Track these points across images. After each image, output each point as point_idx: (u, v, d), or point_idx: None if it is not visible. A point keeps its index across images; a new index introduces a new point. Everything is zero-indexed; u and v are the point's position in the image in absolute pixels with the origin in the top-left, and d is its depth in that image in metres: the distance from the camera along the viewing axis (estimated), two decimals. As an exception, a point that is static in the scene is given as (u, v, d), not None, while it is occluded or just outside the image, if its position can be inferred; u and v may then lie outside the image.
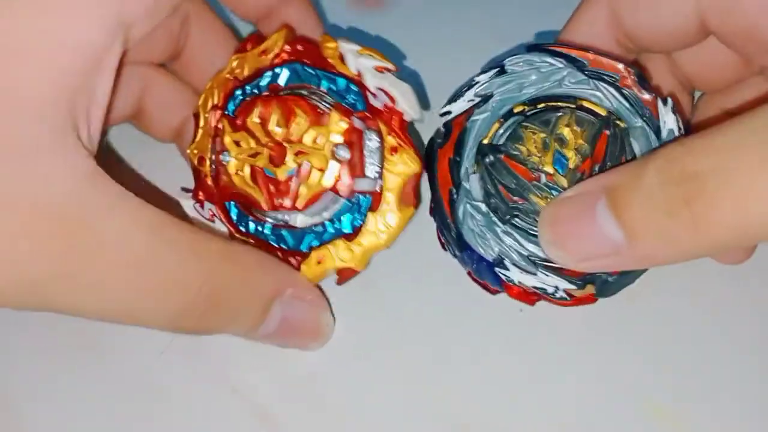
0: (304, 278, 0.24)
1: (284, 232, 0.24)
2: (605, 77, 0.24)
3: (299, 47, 0.25)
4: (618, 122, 0.24)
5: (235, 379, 0.25)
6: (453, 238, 0.24)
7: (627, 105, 0.24)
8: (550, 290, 0.24)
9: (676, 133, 0.23)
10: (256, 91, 0.25)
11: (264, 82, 0.25)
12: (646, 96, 0.23)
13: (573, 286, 0.23)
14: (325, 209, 0.24)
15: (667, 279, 0.26)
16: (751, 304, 0.26)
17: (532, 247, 0.24)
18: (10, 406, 0.25)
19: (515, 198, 0.24)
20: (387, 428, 0.24)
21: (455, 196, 0.24)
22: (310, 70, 0.25)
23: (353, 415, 0.24)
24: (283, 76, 0.25)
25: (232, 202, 0.25)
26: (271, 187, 0.24)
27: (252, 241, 0.25)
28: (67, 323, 0.26)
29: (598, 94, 0.24)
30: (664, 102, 0.23)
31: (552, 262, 0.23)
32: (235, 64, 0.26)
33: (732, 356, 0.25)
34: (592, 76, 0.24)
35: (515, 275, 0.24)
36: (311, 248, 0.24)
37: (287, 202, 0.24)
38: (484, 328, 0.26)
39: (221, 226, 0.26)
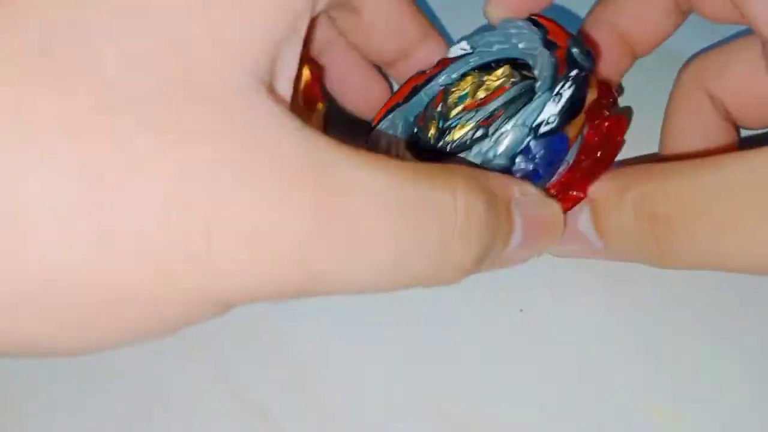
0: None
1: None
2: (551, 45, 0.24)
3: None
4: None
5: (235, 379, 0.25)
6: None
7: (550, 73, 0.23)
8: None
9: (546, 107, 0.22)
10: None
11: None
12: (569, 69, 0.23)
13: None
14: None
15: (667, 278, 0.26)
16: (752, 303, 0.26)
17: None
18: (11, 406, 0.25)
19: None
20: (387, 428, 0.24)
21: (389, 115, 0.26)
22: None
23: (353, 414, 0.24)
24: None
25: None
26: None
27: None
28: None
29: (535, 58, 0.24)
30: (572, 78, 0.22)
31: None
32: None
33: (732, 356, 0.25)
34: (544, 43, 0.24)
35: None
36: None
37: None
38: (484, 327, 0.26)
39: None
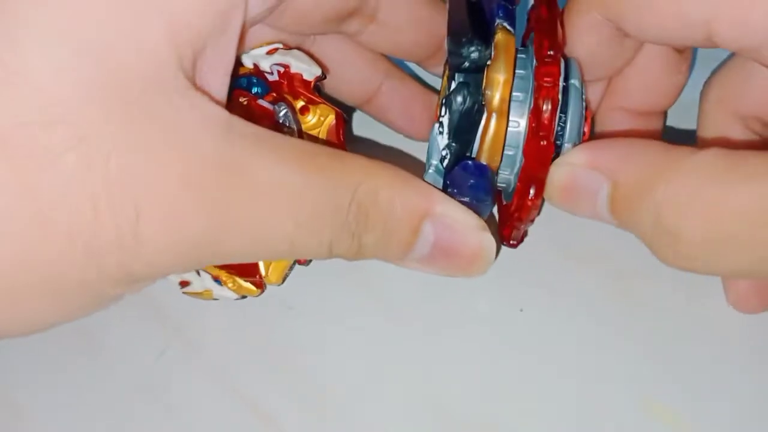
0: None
1: None
2: None
3: None
4: None
5: (235, 379, 0.25)
6: None
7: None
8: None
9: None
10: None
11: None
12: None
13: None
14: None
15: (667, 277, 0.26)
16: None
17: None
18: (10, 406, 0.25)
19: None
20: (386, 428, 0.24)
21: None
22: None
23: (353, 414, 0.24)
24: None
25: None
26: None
27: None
28: (67, 324, 0.26)
29: None
30: (443, 104, 0.21)
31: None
32: None
33: (732, 355, 0.25)
34: None
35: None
36: None
37: None
38: (484, 327, 0.26)
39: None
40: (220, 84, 0.20)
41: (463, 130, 0.21)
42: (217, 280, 0.24)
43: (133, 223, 0.17)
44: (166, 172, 0.17)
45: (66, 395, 0.25)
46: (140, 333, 0.26)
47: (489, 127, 0.22)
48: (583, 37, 0.24)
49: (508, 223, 0.23)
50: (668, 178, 0.19)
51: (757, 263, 0.19)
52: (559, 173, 0.22)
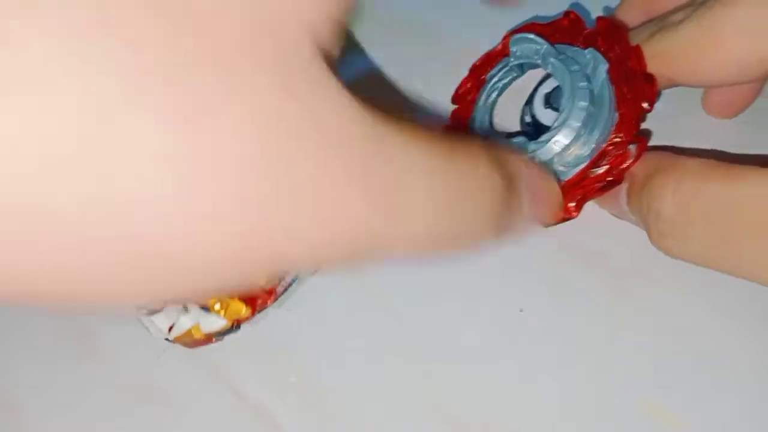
0: None
1: None
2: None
3: None
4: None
5: (235, 379, 0.25)
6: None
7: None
8: None
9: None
10: None
11: None
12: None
13: None
14: None
15: (667, 277, 0.26)
16: (751, 303, 0.26)
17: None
18: (10, 406, 0.25)
19: None
20: (386, 427, 0.24)
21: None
22: None
23: (353, 414, 0.24)
24: None
25: None
26: None
27: None
28: (67, 324, 0.26)
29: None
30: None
31: None
32: None
33: (732, 355, 0.25)
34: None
35: None
36: None
37: None
38: (484, 327, 0.26)
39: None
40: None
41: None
42: (204, 308, 0.24)
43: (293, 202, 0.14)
44: (313, 152, 0.14)
45: (66, 395, 0.25)
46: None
47: None
48: None
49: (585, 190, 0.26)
50: (663, 174, 0.24)
51: (702, 252, 0.23)
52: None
